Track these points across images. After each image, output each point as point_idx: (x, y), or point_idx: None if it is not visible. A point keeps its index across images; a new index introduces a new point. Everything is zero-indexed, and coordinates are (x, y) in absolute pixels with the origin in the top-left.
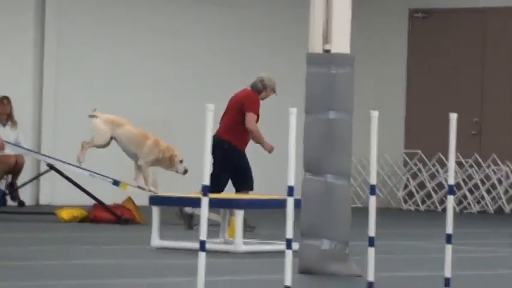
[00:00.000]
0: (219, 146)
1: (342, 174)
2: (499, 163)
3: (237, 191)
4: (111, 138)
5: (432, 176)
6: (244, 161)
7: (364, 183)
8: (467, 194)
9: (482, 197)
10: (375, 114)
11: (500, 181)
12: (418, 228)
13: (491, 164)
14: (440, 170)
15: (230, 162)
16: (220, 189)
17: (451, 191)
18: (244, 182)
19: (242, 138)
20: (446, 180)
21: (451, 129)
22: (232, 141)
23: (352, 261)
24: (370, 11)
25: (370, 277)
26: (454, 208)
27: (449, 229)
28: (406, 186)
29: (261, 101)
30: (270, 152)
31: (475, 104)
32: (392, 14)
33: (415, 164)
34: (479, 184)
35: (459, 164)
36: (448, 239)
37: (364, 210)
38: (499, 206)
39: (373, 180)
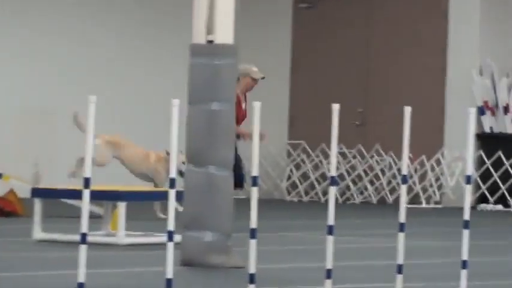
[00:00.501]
0: None
1: (225, 165)
2: (383, 154)
3: None
4: (113, 158)
5: (316, 167)
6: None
7: (248, 175)
8: (351, 184)
9: (366, 188)
10: (257, 105)
11: (383, 172)
12: (301, 219)
13: (375, 155)
14: (323, 160)
15: None
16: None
17: (333, 181)
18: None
19: None
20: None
21: (333, 119)
22: None
23: (234, 252)
24: (254, 1)
25: (252, 269)
26: (337, 199)
27: (331, 220)
28: (289, 177)
29: (242, 90)
30: (246, 138)
31: (359, 95)
32: (277, 4)
33: (299, 155)
34: (363, 175)
35: (343, 154)
36: (330, 230)
37: (248, 202)
38: (382, 197)
39: (254, 171)
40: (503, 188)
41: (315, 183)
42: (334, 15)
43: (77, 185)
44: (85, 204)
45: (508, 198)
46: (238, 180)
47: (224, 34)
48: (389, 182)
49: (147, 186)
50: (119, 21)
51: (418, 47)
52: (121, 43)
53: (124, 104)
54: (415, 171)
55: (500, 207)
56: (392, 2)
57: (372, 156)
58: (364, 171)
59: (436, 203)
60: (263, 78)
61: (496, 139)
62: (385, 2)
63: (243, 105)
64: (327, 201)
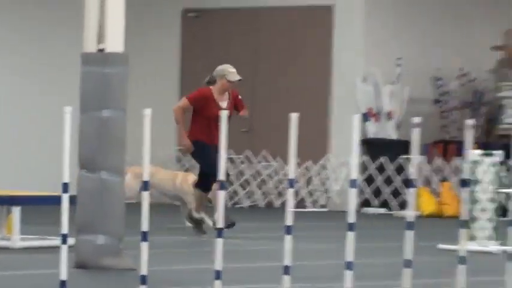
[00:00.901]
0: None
1: (116, 171)
2: (270, 159)
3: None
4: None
5: None
6: (201, 152)
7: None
8: (239, 189)
9: (253, 192)
10: (147, 112)
11: (270, 176)
12: None
13: (262, 160)
14: None
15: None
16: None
17: (222, 186)
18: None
19: (199, 131)
20: None
21: (222, 126)
22: (190, 136)
23: (126, 255)
24: (144, 11)
25: (143, 271)
26: (226, 203)
27: (220, 223)
28: None
29: (218, 90)
30: (186, 149)
31: (246, 102)
32: (166, 13)
33: (189, 160)
34: (251, 179)
35: (231, 160)
36: (219, 233)
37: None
38: (269, 201)
39: (145, 177)
40: (386, 191)
41: None
42: (222, 24)
43: None
44: None
45: (391, 201)
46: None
47: (115, 43)
48: (276, 187)
49: (42, 191)
50: (9, 30)
51: (304, 56)
52: (14, 52)
53: (20, 113)
54: (302, 175)
55: (383, 210)
56: (279, 12)
57: (259, 162)
58: (252, 176)
59: (322, 206)
60: (240, 80)
61: (379, 144)
62: (271, 12)
63: (221, 104)
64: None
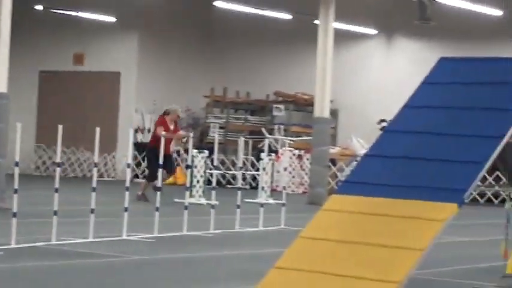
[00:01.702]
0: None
1: None
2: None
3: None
4: None
5: None
6: (150, 154)
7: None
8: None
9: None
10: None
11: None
12: None
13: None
14: None
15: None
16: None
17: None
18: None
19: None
20: None
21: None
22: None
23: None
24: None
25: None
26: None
27: None
28: None
29: (170, 119)
30: (184, 137)
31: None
32: (25, 72)
33: None
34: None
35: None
36: None
37: None
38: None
39: None
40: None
41: None
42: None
43: None
44: None
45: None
46: (170, 168)
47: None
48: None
49: None
50: None
51: (106, 107)
52: None
53: None
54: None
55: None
56: (95, 75)
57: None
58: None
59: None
60: (182, 117)
61: (142, 145)
62: (90, 76)
63: (171, 127)
64: None
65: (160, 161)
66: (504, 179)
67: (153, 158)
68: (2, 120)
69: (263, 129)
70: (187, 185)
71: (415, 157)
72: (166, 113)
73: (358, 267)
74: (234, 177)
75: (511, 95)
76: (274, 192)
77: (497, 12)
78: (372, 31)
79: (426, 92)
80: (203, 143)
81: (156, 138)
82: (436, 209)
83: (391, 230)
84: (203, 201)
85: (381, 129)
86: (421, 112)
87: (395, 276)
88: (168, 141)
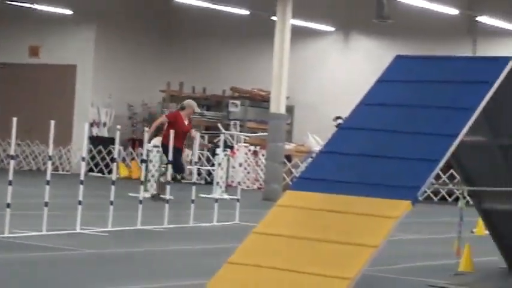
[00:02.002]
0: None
1: None
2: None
3: None
4: None
5: None
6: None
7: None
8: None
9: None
10: None
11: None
12: None
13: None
14: None
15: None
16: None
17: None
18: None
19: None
20: None
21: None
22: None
23: None
24: None
25: None
26: None
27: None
28: None
29: (185, 114)
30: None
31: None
32: None
33: None
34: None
35: None
36: None
37: None
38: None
39: None
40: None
41: None
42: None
43: None
44: None
45: (107, 169)
46: (180, 169)
47: None
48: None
49: None
50: None
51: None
52: None
53: None
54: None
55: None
56: (41, 68)
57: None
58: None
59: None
60: (199, 112)
61: (98, 139)
62: (40, 68)
63: (186, 123)
64: None
65: (170, 157)
66: (458, 177)
67: (166, 154)
68: None
69: (219, 125)
70: (142, 179)
71: (370, 154)
72: (181, 107)
73: (311, 263)
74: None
75: (466, 93)
76: (229, 188)
77: (453, 11)
78: (329, 28)
79: (381, 89)
80: (165, 137)
81: (165, 135)
82: (389, 206)
83: (344, 227)
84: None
85: (337, 126)
86: (376, 110)
87: (348, 272)
88: (179, 137)
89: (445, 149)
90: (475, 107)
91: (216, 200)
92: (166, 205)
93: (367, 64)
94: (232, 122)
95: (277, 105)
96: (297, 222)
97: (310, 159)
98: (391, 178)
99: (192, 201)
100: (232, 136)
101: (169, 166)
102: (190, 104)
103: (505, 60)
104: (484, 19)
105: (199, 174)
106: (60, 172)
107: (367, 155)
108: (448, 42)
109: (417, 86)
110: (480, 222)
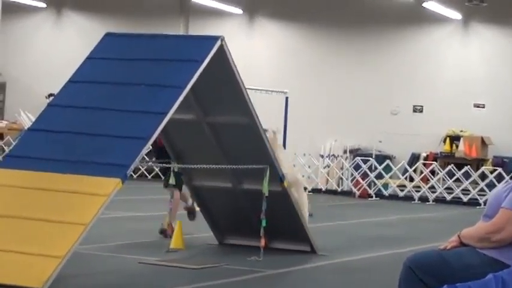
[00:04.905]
0: None
1: None
2: None
3: None
4: None
5: None
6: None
7: None
8: None
9: None
10: None
11: None
12: None
13: None
14: None
15: None
16: None
17: None
18: None
19: None
20: None
21: None
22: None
23: None
24: None
25: None
26: None
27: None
28: None
29: None
30: None
31: None
32: None
33: None
34: None
35: None
36: None
37: None
38: None
39: None
40: None
41: None
42: None
43: None
44: None
45: None
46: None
47: None
48: None
49: None
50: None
51: None
52: None
53: None
54: None
55: None
56: None
57: None
58: None
59: None
60: None
61: None
62: None
63: None
64: None
65: None
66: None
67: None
68: None
69: None
70: None
71: (79, 132)
72: None
73: (20, 241)
74: None
75: (176, 71)
76: None
77: None
78: (41, 4)
79: (90, 67)
80: None
81: None
82: (99, 184)
83: (53, 205)
84: None
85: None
86: (85, 87)
87: (57, 251)
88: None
89: (154, 126)
90: (184, 85)
91: None
92: None
93: (80, 40)
94: None
95: None
96: (5, 200)
97: None
98: (101, 156)
99: None
100: None
101: None
102: None
103: (213, 39)
104: None
105: None
106: None
107: (76, 133)
108: (161, 20)
109: (126, 64)
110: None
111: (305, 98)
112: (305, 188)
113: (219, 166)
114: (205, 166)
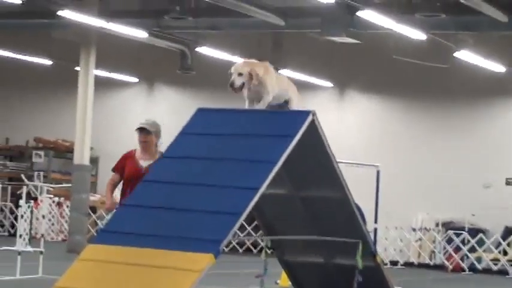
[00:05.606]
0: None
1: None
2: None
3: None
4: None
5: None
6: None
7: None
8: None
9: None
10: None
11: None
12: None
13: None
14: None
15: None
16: None
17: None
18: None
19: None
20: None
21: None
22: None
23: None
24: None
25: None
26: None
27: None
28: None
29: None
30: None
31: None
32: None
33: None
34: None
35: None
36: None
37: None
38: None
39: None
40: None
41: None
42: None
43: None
44: None
45: None
46: None
47: None
48: None
49: None
50: None
51: None
52: None
53: None
54: None
55: None
56: None
57: None
58: None
59: None
60: (141, 128)
61: None
62: None
63: (142, 163)
64: None
65: None
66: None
67: None
68: None
69: (22, 176)
70: None
71: (171, 207)
72: None
73: None
74: None
75: (267, 146)
76: (33, 240)
77: None
78: (133, 79)
79: (183, 142)
80: None
81: None
82: (192, 259)
83: (144, 281)
84: None
85: None
86: (178, 162)
87: None
88: None
89: (247, 201)
90: (276, 160)
91: (19, 253)
92: None
93: (171, 115)
94: (36, 173)
95: (81, 156)
96: (97, 276)
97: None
98: (193, 231)
99: None
100: (36, 187)
101: None
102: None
103: (305, 113)
104: None
105: (2, 226)
106: None
107: (168, 208)
108: None
109: (218, 139)
110: (284, 273)
111: (396, 171)
112: (397, 262)
113: (311, 237)
114: (295, 237)
